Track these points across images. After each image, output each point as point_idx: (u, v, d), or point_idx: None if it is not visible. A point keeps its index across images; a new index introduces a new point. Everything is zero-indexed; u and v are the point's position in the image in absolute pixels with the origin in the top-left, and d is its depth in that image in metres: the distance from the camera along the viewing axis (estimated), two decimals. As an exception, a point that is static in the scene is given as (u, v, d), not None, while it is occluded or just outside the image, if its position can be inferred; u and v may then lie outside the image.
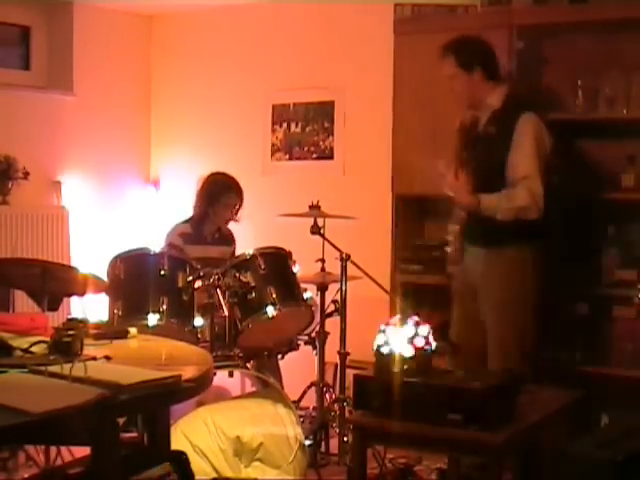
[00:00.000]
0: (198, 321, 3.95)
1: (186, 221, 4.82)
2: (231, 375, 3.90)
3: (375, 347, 2.99)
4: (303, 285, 4.22)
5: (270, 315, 4.01)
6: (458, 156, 3.99)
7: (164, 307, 3.90)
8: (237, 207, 4.79)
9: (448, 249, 4.14)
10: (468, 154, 3.96)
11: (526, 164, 3.82)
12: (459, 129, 4.05)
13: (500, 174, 3.85)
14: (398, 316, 3.05)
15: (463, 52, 3.92)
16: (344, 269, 4.21)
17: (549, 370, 4.25)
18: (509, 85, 4.00)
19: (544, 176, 3.85)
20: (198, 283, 3.97)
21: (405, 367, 2.94)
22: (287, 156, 5.73)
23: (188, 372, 2.27)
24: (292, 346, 4.34)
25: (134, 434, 2.58)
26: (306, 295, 4.20)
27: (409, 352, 2.94)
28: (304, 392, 4.60)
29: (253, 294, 4.02)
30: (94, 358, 2.38)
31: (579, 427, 3.43)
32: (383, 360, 2.97)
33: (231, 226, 4.92)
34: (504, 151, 3.84)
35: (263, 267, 4.06)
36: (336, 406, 4.39)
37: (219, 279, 3.92)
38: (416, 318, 3.02)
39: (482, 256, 3.92)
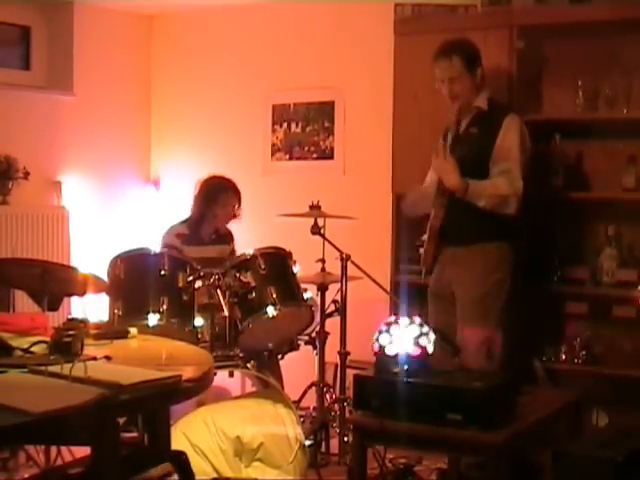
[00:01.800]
0: (198, 321, 3.95)
1: (183, 222, 4.81)
2: (231, 375, 3.90)
3: (377, 347, 2.99)
4: (303, 285, 4.22)
5: (270, 315, 4.01)
6: (444, 143, 4.02)
7: (164, 307, 3.90)
8: (235, 207, 4.80)
9: (421, 250, 4.15)
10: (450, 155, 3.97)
11: (509, 159, 3.88)
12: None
13: (483, 174, 3.88)
14: (398, 316, 3.06)
15: (468, 52, 3.99)
16: (344, 269, 4.21)
17: (549, 370, 4.26)
18: (489, 90, 4.05)
19: (526, 174, 3.89)
20: (198, 283, 3.97)
21: (405, 367, 2.94)
22: (287, 156, 5.73)
23: (188, 372, 2.28)
24: (292, 346, 4.34)
25: (134, 434, 2.58)
26: (306, 295, 4.20)
27: (409, 352, 2.95)
28: (304, 392, 4.60)
29: (253, 294, 4.01)
30: (94, 358, 2.38)
31: (579, 427, 3.43)
32: (383, 360, 2.97)
33: (231, 226, 4.92)
34: (488, 150, 3.90)
35: (263, 267, 4.06)
36: (336, 406, 4.39)
37: (219, 279, 3.92)
38: (416, 318, 3.02)
39: (460, 255, 3.94)
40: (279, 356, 4.35)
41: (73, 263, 5.35)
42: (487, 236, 3.90)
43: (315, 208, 4.29)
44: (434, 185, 3.99)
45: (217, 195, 4.76)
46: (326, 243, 4.27)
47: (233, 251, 4.80)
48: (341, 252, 4.19)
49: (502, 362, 3.87)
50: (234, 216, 4.83)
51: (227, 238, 4.89)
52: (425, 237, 4.08)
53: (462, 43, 4.02)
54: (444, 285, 4.02)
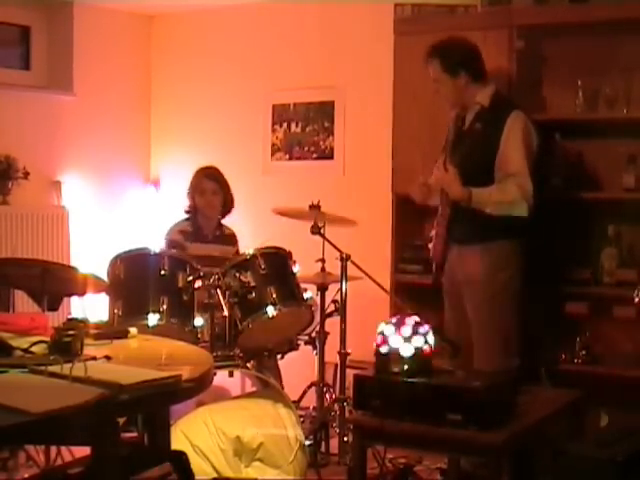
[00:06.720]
0: (198, 321, 3.94)
1: (186, 219, 4.83)
2: (231, 375, 3.90)
3: (377, 347, 2.99)
4: (303, 285, 4.22)
5: (270, 315, 4.00)
6: (445, 151, 4.01)
7: (164, 307, 3.89)
8: (217, 194, 4.77)
9: (430, 245, 4.15)
10: (452, 151, 3.97)
11: (516, 161, 3.84)
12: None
13: (487, 171, 3.86)
14: (398, 316, 3.05)
15: (447, 57, 3.93)
16: (344, 269, 4.21)
17: (549, 370, 4.26)
18: (495, 85, 4.03)
19: (533, 174, 3.87)
20: (198, 283, 3.96)
21: (405, 367, 2.94)
22: (287, 156, 5.74)
23: (188, 372, 2.27)
24: (292, 346, 4.33)
25: (134, 434, 2.58)
26: (306, 295, 4.19)
27: (409, 352, 2.94)
28: (304, 392, 4.60)
29: (253, 294, 4.01)
30: (94, 358, 2.38)
31: (579, 427, 3.43)
32: (383, 360, 2.97)
33: (231, 226, 4.92)
34: (492, 148, 3.87)
35: (263, 267, 4.06)
36: (336, 406, 4.39)
37: (219, 279, 3.92)
38: (416, 318, 3.02)
39: (467, 254, 3.93)
40: (279, 356, 4.35)
41: (73, 263, 5.35)
42: (494, 235, 3.87)
43: (315, 208, 4.29)
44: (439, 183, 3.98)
45: (195, 183, 4.81)
46: (326, 243, 4.27)
47: (237, 253, 4.79)
48: (341, 252, 4.19)
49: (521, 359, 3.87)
50: (224, 208, 4.80)
51: (231, 239, 4.87)
52: (433, 233, 4.08)
53: (443, 45, 3.94)
54: (455, 284, 4.01)
